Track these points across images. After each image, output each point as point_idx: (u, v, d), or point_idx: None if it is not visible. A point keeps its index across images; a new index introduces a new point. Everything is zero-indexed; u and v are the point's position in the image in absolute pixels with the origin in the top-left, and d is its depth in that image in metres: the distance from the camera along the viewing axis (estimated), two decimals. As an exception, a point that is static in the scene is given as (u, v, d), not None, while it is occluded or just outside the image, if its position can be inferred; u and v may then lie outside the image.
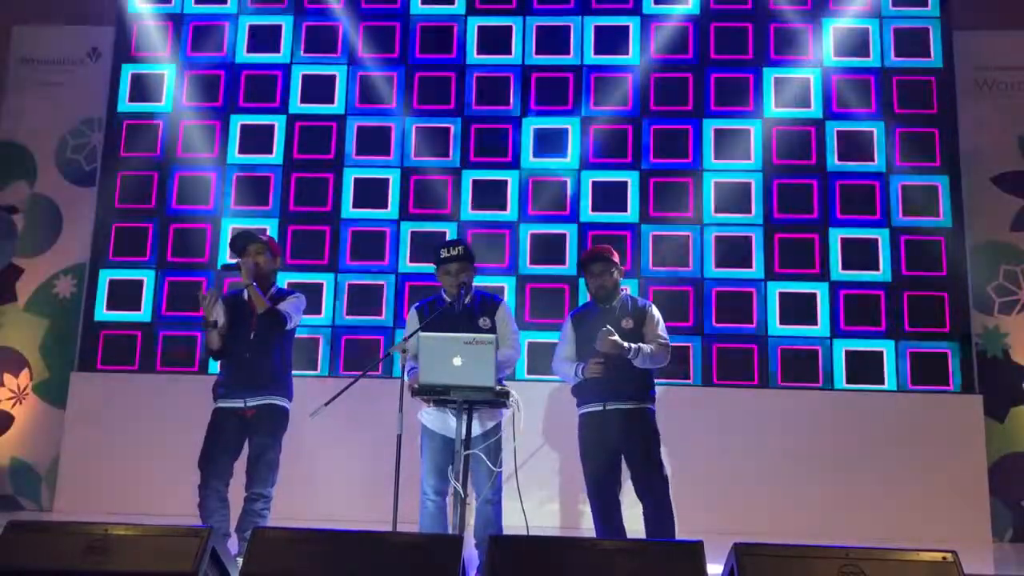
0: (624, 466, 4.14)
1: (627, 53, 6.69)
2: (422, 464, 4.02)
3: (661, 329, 4.25)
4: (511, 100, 6.69)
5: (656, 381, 4.30)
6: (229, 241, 4.51)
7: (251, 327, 4.28)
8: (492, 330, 4.02)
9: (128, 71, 6.89)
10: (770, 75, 6.59)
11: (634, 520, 4.10)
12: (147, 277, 6.60)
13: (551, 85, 6.70)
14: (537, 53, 6.75)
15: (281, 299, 4.38)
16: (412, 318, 4.18)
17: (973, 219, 6.35)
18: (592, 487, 4.12)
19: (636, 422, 4.09)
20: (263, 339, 4.27)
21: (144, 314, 6.54)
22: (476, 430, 3.84)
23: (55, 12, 7.04)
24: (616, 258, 4.29)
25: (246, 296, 4.34)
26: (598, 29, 6.76)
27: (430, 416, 4.02)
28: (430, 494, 3.96)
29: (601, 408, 4.10)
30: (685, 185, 6.50)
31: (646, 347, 4.10)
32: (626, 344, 4.02)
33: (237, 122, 6.78)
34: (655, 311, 4.28)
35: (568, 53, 6.74)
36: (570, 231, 6.49)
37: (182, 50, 6.90)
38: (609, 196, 6.51)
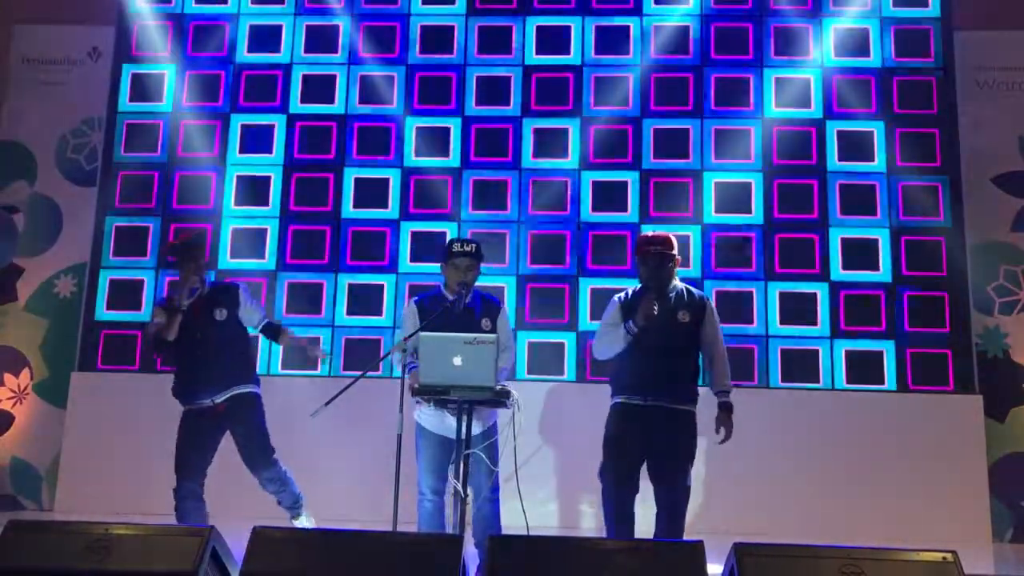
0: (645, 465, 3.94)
1: (628, 53, 6.69)
2: (418, 464, 4.01)
3: (719, 330, 4.08)
4: (511, 100, 6.69)
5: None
6: (177, 259, 4.42)
7: (196, 330, 4.29)
8: (494, 331, 4.00)
9: (128, 71, 6.88)
10: (770, 75, 6.60)
11: (640, 518, 4.00)
12: (147, 277, 6.60)
13: (552, 85, 6.71)
14: (538, 53, 6.76)
15: (222, 294, 4.40)
16: (411, 312, 4.12)
17: (973, 219, 6.34)
18: (611, 482, 3.87)
19: (678, 425, 3.89)
20: (208, 338, 4.28)
21: (144, 314, 6.51)
22: (475, 429, 3.84)
23: (55, 12, 7.04)
24: (675, 248, 4.05)
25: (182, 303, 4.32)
26: (599, 29, 6.76)
27: (426, 416, 4.01)
28: (427, 494, 3.96)
29: (641, 402, 3.86)
30: (685, 185, 6.51)
31: (724, 383, 4.05)
32: (727, 420, 4.02)
33: (237, 122, 6.78)
34: (713, 306, 4.10)
35: (568, 53, 6.75)
36: (570, 231, 6.49)
37: (183, 50, 6.89)
38: (609, 196, 6.51)
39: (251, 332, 4.49)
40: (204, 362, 4.26)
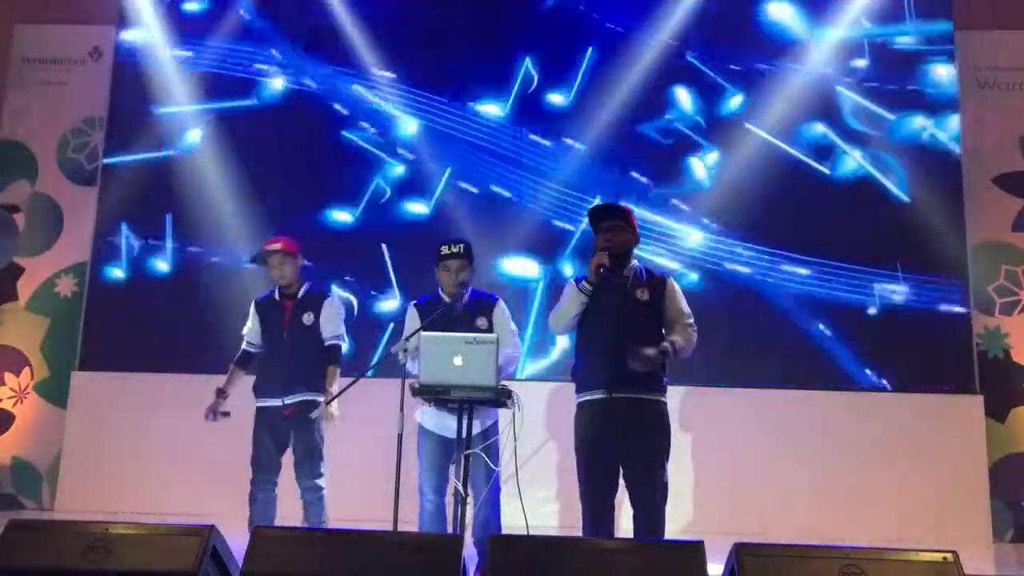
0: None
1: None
2: (420, 465, 4.01)
3: (684, 305, 3.72)
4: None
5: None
6: (251, 259, 4.64)
7: (283, 327, 4.39)
8: (490, 330, 4.01)
9: (129, 70, 6.87)
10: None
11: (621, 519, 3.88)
12: (148, 276, 6.59)
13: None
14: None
15: (314, 300, 4.44)
16: (411, 315, 4.14)
17: (974, 219, 6.34)
18: (586, 486, 3.63)
19: (646, 416, 3.59)
20: (292, 341, 4.37)
21: (145, 314, 6.53)
22: (475, 429, 3.84)
23: (56, 11, 7.05)
24: (633, 219, 3.79)
25: (277, 296, 4.48)
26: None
27: (427, 416, 4.01)
28: (428, 495, 3.96)
29: (605, 396, 3.58)
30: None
31: (677, 340, 3.60)
32: (659, 350, 3.53)
33: (238, 121, 6.76)
34: (676, 283, 3.78)
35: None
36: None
37: (184, 48, 6.88)
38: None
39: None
40: (282, 363, 4.34)
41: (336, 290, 5.12)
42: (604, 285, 3.63)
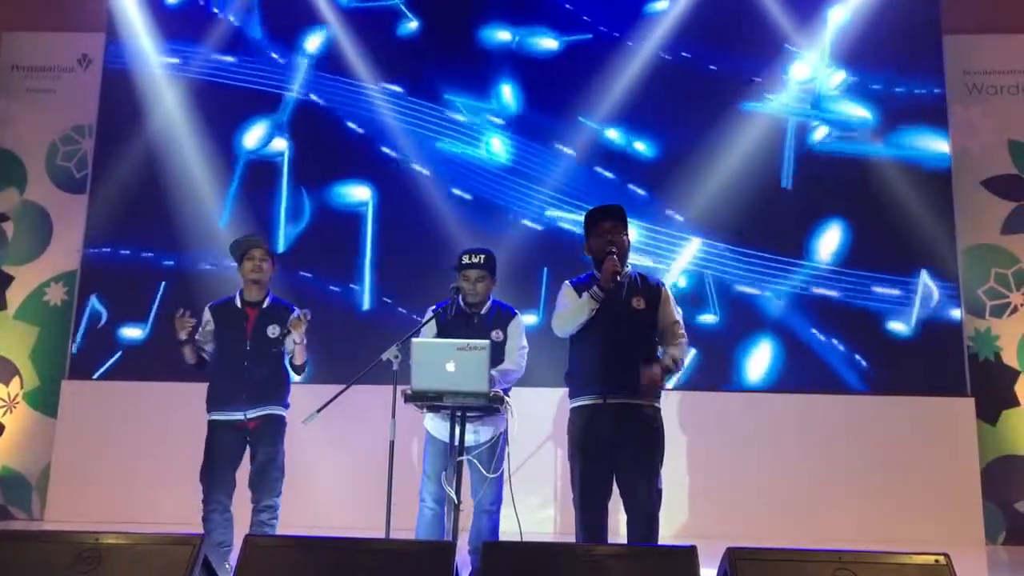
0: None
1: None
2: (424, 470, 4.00)
3: (678, 313, 3.75)
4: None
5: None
6: (230, 246, 4.42)
7: (246, 336, 4.24)
8: (503, 342, 3.99)
9: (119, 78, 6.85)
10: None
11: (615, 523, 3.89)
12: (140, 284, 6.56)
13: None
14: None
15: (280, 313, 4.29)
16: (429, 320, 4.09)
17: (964, 222, 6.37)
18: (580, 492, 3.58)
19: (639, 422, 3.57)
20: (260, 350, 4.23)
21: (136, 322, 6.50)
22: (480, 438, 3.83)
23: (45, 19, 7.03)
24: (626, 220, 3.75)
25: (238, 303, 4.32)
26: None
27: (433, 422, 4.00)
28: (428, 501, 3.94)
29: (600, 401, 3.54)
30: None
31: (674, 352, 3.67)
32: (664, 367, 3.59)
33: (231, 127, 6.75)
34: (669, 291, 3.78)
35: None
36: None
37: (173, 56, 6.86)
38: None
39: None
40: (245, 374, 4.18)
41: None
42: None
